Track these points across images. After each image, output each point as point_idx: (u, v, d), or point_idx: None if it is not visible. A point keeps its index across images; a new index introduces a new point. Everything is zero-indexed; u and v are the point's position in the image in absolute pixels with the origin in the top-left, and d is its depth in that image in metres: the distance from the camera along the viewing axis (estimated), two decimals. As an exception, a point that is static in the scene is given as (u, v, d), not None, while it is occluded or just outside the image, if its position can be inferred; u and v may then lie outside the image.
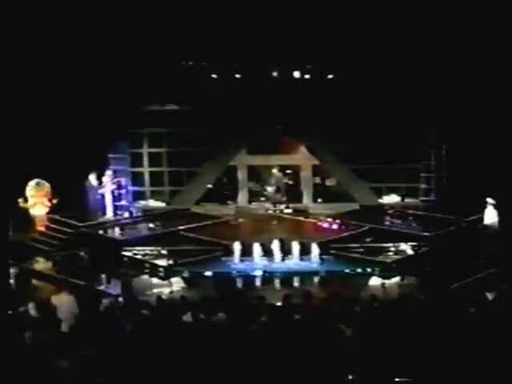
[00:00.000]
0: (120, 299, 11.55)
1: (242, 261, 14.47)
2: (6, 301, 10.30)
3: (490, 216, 14.28)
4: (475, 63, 14.51)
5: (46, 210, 16.69)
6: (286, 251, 14.57)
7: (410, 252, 14.79)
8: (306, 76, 16.92)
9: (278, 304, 9.86)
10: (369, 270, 13.75)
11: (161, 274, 13.95)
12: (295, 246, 14.58)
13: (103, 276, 13.86)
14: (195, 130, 18.07)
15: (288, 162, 19.35)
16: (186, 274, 13.83)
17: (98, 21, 14.14)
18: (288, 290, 11.44)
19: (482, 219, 14.53)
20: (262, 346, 7.83)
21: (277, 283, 13.62)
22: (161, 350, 7.69)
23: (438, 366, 7.23)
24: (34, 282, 13.86)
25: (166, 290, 13.07)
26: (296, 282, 13.73)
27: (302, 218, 17.65)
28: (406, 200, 18.70)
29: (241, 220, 18.01)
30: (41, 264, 14.56)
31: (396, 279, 13.53)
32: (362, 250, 14.77)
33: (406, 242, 14.96)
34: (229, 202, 19.10)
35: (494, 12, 13.55)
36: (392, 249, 14.85)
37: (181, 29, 14.57)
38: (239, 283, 13.64)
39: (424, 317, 8.53)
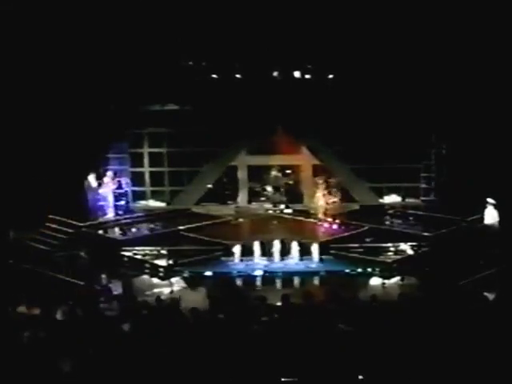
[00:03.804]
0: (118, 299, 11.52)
1: (242, 261, 14.47)
2: (5, 301, 10.29)
3: (490, 216, 14.26)
4: (475, 63, 14.53)
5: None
6: (286, 251, 14.57)
7: (409, 252, 14.79)
8: (306, 76, 16.91)
9: (278, 304, 9.86)
10: (369, 269, 13.75)
11: (161, 274, 13.96)
12: (295, 246, 14.58)
13: (103, 276, 13.90)
14: (195, 130, 18.09)
15: (288, 162, 19.34)
16: (186, 274, 13.85)
17: (98, 22, 14.17)
18: (288, 290, 11.43)
19: (482, 219, 14.51)
20: (261, 345, 7.84)
21: (277, 283, 13.62)
22: (161, 350, 7.70)
23: (438, 366, 7.23)
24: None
25: (166, 290, 13.08)
26: (296, 282, 13.73)
27: (302, 218, 17.65)
28: (407, 200, 18.72)
29: (241, 220, 18.01)
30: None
31: (396, 279, 13.53)
32: (361, 249, 14.76)
33: (405, 242, 14.96)
34: (229, 201, 19.11)
35: (494, 13, 13.57)
36: (392, 249, 14.85)
37: (180, 29, 14.58)
38: (239, 283, 13.62)
39: (424, 317, 8.53)
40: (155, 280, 13.85)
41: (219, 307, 9.72)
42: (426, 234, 15.33)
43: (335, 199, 17.34)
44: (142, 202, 19.18)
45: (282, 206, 18.52)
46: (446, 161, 17.72)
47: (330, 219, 17.05)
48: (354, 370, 7.34)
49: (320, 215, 17.19)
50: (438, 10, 13.89)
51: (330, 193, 17.34)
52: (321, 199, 17.27)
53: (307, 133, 18.05)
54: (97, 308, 10.15)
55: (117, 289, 12.95)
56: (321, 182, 17.61)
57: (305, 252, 14.57)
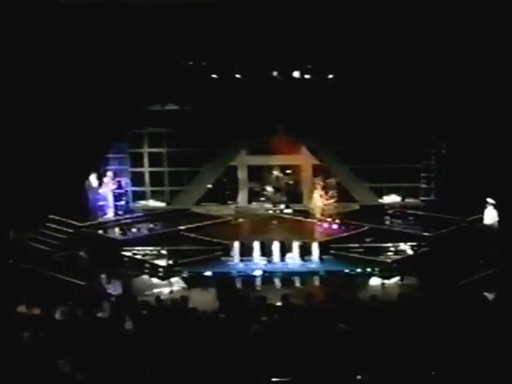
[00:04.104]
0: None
1: (242, 261, 14.47)
2: (5, 301, 10.29)
3: (490, 216, 14.26)
4: (475, 63, 14.53)
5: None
6: (285, 251, 14.57)
7: (409, 252, 14.79)
8: (306, 76, 16.90)
9: (278, 304, 9.87)
10: (369, 269, 13.75)
11: (161, 274, 13.96)
12: (295, 246, 14.58)
13: (103, 276, 13.90)
14: (195, 130, 18.09)
15: (288, 162, 19.34)
16: (185, 274, 13.85)
17: (97, 22, 14.17)
18: (288, 290, 11.43)
19: (482, 219, 14.51)
20: (261, 345, 7.84)
21: (277, 283, 13.62)
22: (161, 350, 7.70)
23: (438, 366, 7.23)
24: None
25: (166, 290, 13.09)
26: (296, 282, 13.73)
27: (301, 218, 17.64)
28: (406, 200, 18.72)
29: (241, 220, 18.01)
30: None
31: (396, 279, 13.53)
32: (362, 249, 14.77)
33: (405, 242, 14.96)
34: (229, 201, 19.11)
35: (494, 13, 13.56)
36: (392, 249, 14.85)
37: (180, 29, 14.58)
38: (239, 283, 13.62)
39: (424, 317, 8.53)
40: (155, 280, 13.86)
41: (222, 307, 9.74)
42: (426, 233, 15.33)
43: (332, 200, 17.31)
44: (142, 202, 19.19)
45: (282, 206, 18.53)
46: (446, 161, 17.72)
47: (329, 219, 17.05)
48: (353, 369, 7.34)
49: (318, 215, 17.20)
50: (438, 11, 13.89)
51: (327, 193, 17.33)
52: (318, 200, 17.27)
53: (307, 133, 18.04)
54: (97, 308, 10.14)
55: (116, 289, 12.96)
56: (318, 182, 17.62)
57: (305, 252, 14.57)
